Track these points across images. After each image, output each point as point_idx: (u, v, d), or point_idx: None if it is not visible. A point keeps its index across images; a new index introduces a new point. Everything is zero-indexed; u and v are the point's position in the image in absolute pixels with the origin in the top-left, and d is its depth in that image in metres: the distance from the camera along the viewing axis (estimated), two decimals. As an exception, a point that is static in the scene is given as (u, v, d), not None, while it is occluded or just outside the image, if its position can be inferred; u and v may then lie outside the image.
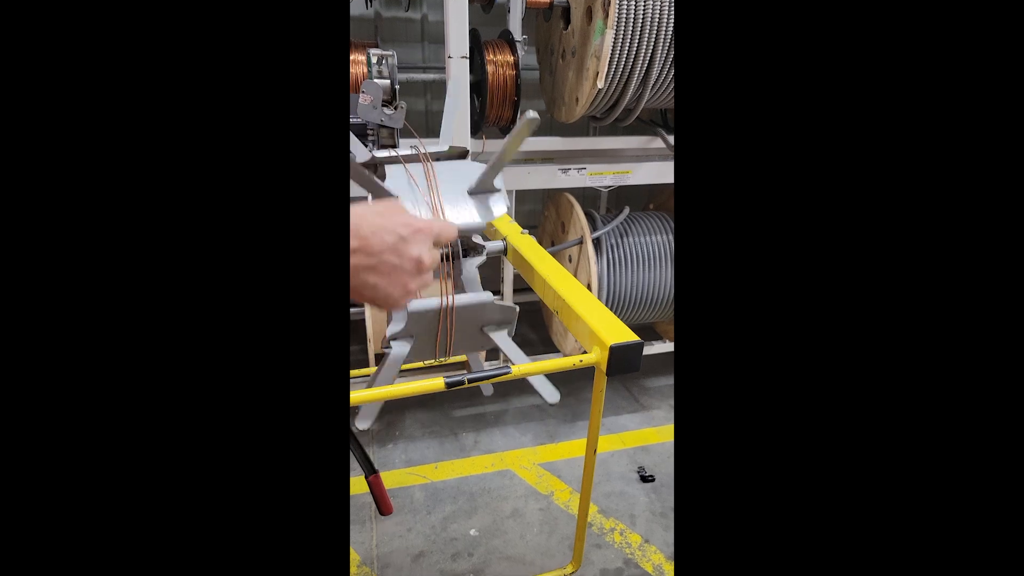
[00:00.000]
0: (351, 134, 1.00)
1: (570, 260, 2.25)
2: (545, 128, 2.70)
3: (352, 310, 2.19)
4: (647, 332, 2.80)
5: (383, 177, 0.94)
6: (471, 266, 0.95)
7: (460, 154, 1.00)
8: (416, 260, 0.60)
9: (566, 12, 1.92)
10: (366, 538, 1.84)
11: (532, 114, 0.71)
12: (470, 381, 0.68)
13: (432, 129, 2.67)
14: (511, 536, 1.86)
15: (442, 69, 1.78)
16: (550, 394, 0.83)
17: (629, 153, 2.23)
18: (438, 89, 2.62)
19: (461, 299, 0.86)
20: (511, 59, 1.93)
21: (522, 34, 1.89)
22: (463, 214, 0.86)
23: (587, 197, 2.78)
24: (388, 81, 1.28)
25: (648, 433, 2.36)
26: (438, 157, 0.97)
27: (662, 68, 1.82)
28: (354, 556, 1.77)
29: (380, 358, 1.10)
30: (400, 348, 0.85)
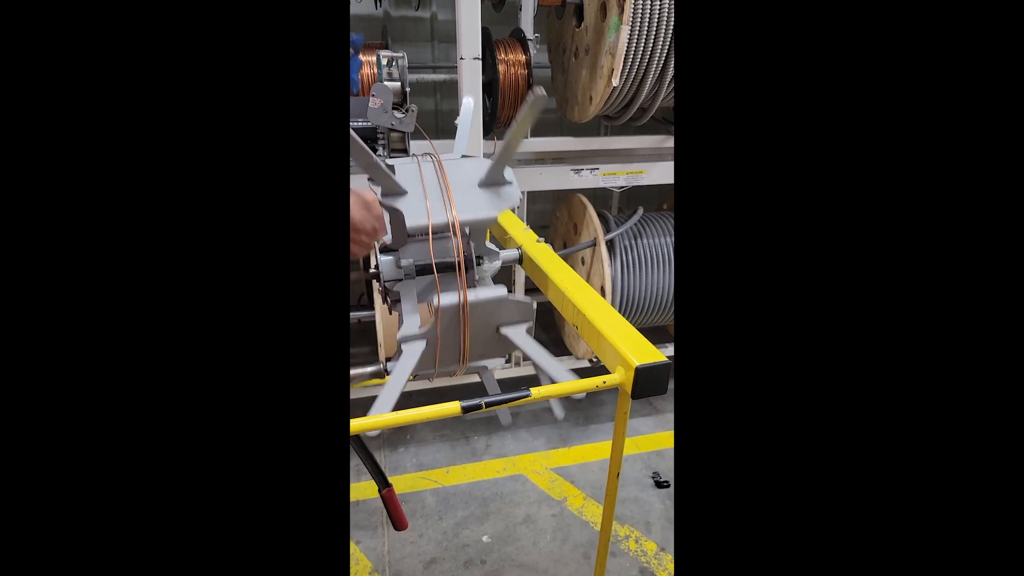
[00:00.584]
0: (358, 137, 0.97)
1: (583, 262, 2.21)
2: (557, 128, 2.66)
3: (363, 313, 2.17)
4: (660, 334, 2.76)
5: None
6: (485, 273, 0.91)
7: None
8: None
9: (579, 9, 1.87)
10: (378, 544, 1.82)
11: (540, 91, 0.68)
12: (487, 405, 0.66)
13: (442, 130, 2.64)
14: (524, 543, 1.84)
15: (453, 69, 1.75)
16: (558, 410, 0.81)
17: (643, 153, 2.19)
18: (448, 89, 2.59)
19: (474, 294, 0.83)
20: (523, 58, 1.89)
21: (534, 32, 1.85)
22: (474, 206, 0.83)
23: (599, 197, 2.74)
24: (398, 84, 1.26)
25: (662, 437, 2.32)
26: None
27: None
28: (366, 563, 1.76)
29: (389, 368, 1.07)
30: (414, 347, 0.81)
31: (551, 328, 2.89)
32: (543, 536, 1.86)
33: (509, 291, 0.84)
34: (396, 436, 2.30)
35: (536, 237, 1.10)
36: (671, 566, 1.78)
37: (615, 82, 1.71)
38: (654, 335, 2.74)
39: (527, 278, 1.87)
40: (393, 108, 1.17)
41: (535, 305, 0.89)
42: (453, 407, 0.63)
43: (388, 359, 2.05)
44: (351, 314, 2.13)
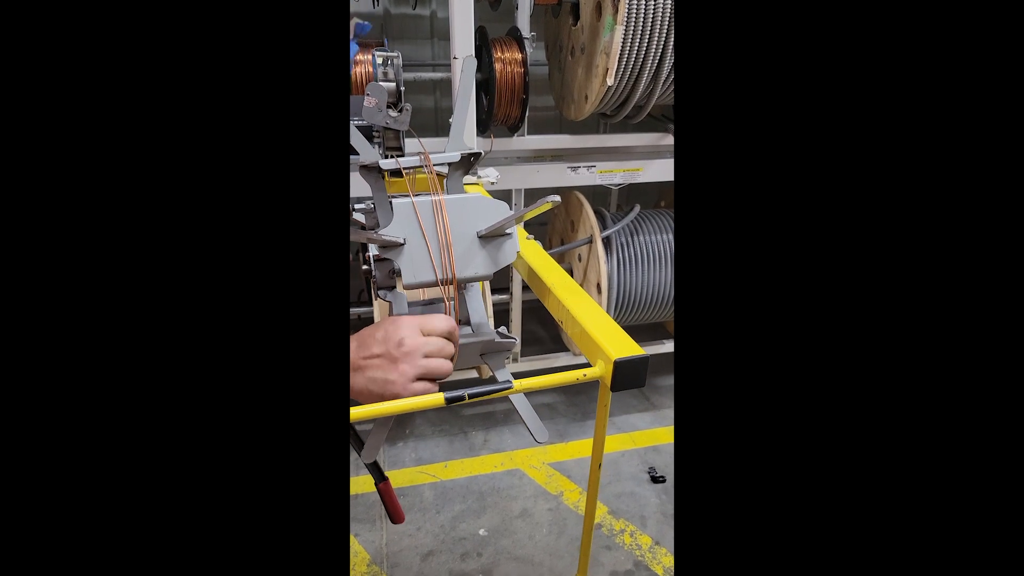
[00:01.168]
0: (359, 134, 0.97)
1: (580, 259, 2.23)
2: (554, 125, 2.67)
3: (361, 309, 2.20)
4: (658, 331, 2.77)
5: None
6: (474, 291, 0.89)
7: (470, 156, 0.95)
8: (398, 341, 0.68)
9: (575, 8, 1.89)
10: (376, 537, 1.85)
11: (555, 198, 0.74)
12: (471, 397, 0.68)
13: (441, 128, 2.65)
14: (520, 536, 1.86)
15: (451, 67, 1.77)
16: (539, 431, 0.80)
17: (640, 150, 2.20)
18: (447, 87, 2.60)
19: (462, 334, 0.81)
20: (519, 56, 1.90)
21: (530, 31, 1.87)
22: (472, 263, 0.83)
23: (596, 195, 2.75)
24: (393, 84, 1.27)
25: (659, 432, 2.34)
26: (447, 163, 0.93)
27: (673, 64, 1.79)
28: (364, 555, 1.79)
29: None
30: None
31: (549, 324, 2.91)
32: (539, 530, 1.88)
33: (505, 287, 0.83)
34: (395, 431, 2.32)
35: (526, 234, 1.12)
36: (666, 560, 1.80)
37: (610, 82, 1.73)
38: (651, 332, 2.75)
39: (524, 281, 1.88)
40: (388, 107, 1.19)
41: (517, 342, 0.84)
42: (437, 398, 0.65)
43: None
44: (351, 311, 2.16)
